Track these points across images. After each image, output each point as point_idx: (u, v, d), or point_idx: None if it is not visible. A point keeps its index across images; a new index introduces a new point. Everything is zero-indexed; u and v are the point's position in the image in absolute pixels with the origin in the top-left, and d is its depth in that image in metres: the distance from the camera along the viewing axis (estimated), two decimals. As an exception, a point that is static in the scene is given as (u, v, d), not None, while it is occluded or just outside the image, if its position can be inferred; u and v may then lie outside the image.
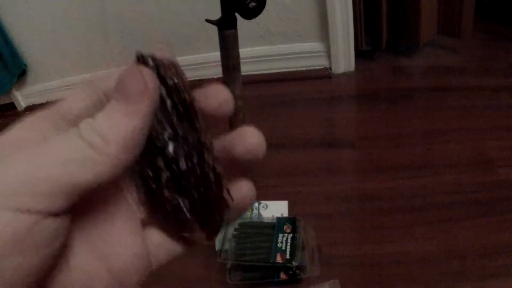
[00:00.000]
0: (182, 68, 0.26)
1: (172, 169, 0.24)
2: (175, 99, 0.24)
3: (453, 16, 1.72)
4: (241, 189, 0.27)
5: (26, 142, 0.21)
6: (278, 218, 1.16)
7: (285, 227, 1.13)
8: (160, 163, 0.24)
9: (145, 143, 0.22)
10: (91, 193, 0.20)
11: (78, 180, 0.19)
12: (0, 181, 0.18)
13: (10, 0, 2.30)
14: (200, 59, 2.05)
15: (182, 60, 1.77)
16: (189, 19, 1.97)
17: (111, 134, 0.20)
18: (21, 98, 2.76)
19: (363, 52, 1.90)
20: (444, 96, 1.64)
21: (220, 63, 1.24)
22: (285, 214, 1.23)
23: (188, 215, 0.25)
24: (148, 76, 0.22)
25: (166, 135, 0.24)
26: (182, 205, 0.25)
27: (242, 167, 0.27)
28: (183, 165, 0.24)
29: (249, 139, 0.26)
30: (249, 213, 1.24)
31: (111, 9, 2.10)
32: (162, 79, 0.24)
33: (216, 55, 1.24)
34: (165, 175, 0.24)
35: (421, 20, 1.71)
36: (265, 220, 1.19)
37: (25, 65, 2.55)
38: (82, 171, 0.19)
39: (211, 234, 0.26)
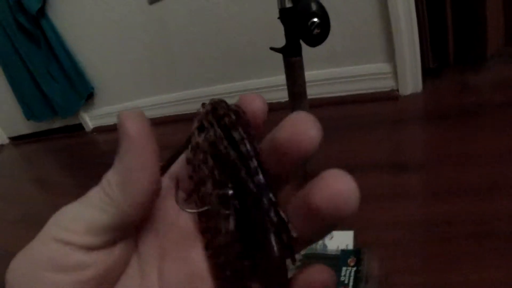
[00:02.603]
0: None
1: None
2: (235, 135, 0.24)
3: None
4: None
5: None
6: (342, 251, 1.12)
7: (349, 260, 1.09)
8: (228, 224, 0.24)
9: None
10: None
11: (99, 222, 0.23)
12: (59, 219, 0.23)
13: (79, 27, 2.43)
14: (266, 83, 2.05)
15: (248, 84, 1.80)
16: (253, 44, 1.98)
17: (111, 178, 0.24)
18: (89, 119, 2.89)
19: (430, 70, 1.83)
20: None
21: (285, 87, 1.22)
22: (350, 245, 1.18)
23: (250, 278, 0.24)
24: (127, 123, 0.24)
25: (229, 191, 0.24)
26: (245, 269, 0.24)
27: (320, 225, 0.22)
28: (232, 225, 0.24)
29: (332, 185, 0.21)
30: (315, 244, 1.21)
31: (177, 36, 2.16)
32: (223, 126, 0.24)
33: (282, 78, 1.22)
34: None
35: (487, 32, 1.64)
36: (330, 252, 1.16)
37: (93, 88, 2.68)
38: (101, 214, 0.23)
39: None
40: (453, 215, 1.19)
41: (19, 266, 0.23)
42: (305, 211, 0.21)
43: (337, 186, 0.21)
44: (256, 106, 0.26)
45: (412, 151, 1.57)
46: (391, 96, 1.84)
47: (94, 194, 0.24)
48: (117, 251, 0.25)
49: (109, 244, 0.24)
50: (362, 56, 1.86)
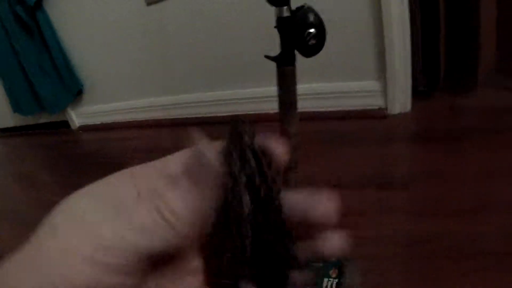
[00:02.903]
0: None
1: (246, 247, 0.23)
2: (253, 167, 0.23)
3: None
4: None
5: (125, 199, 0.24)
6: (324, 262, 1.13)
7: (331, 271, 1.09)
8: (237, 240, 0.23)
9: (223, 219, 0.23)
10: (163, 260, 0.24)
11: (148, 246, 0.22)
12: (93, 235, 0.21)
13: (75, 24, 2.41)
14: (257, 93, 2.06)
15: (240, 93, 1.79)
16: (247, 53, 1.99)
17: (182, 211, 0.22)
18: (76, 117, 2.86)
19: (420, 92, 1.86)
20: (502, 137, 1.55)
21: (276, 99, 1.23)
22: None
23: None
24: (213, 162, 0.23)
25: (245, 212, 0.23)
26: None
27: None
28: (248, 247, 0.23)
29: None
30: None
31: (174, 39, 2.16)
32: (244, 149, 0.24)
33: (273, 89, 1.23)
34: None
35: (479, 59, 1.69)
36: (312, 263, 1.16)
37: (82, 85, 2.66)
38: (152, 239, 0.22)
39: None
40: (436, 233, 1.20)
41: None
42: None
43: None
44: (280, 153, 0.25)
45: (398, 169, 1.59)
46: (379, 115, 1.86)
47: (145, 215, 0.22)
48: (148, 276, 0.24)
49: (147, 269, 0.23)
50: (353, 72, 1.88)
